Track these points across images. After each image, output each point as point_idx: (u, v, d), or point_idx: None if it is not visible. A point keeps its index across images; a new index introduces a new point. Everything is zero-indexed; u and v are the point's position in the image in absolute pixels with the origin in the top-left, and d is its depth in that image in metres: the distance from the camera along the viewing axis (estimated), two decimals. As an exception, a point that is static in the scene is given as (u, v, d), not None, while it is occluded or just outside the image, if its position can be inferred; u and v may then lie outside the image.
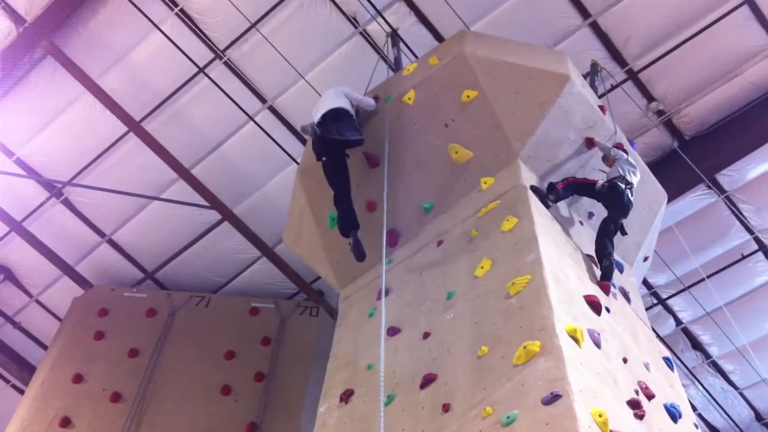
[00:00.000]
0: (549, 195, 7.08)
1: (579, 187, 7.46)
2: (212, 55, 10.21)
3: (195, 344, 11.02)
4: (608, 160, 7.56)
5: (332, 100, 7.54)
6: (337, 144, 7.30)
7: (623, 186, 7.24)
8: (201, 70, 10.20)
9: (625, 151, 7.69)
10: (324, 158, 7.36)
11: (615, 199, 7.24)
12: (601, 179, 7.45)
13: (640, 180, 7.72)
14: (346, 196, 7.36)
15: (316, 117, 7.45)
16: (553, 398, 4.38)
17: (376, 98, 8.03)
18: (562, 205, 7.58)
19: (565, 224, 7.22)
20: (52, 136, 10.77)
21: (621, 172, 7.29)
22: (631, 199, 7.29)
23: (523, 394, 4.58)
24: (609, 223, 7.24)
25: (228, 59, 10.24)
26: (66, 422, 9.85)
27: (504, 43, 8.05)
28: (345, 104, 7.48)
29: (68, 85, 10.24)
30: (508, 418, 4.47)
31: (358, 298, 7.39)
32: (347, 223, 7.30)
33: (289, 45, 9.92)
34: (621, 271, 7.98)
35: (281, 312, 11.69)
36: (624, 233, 7.45)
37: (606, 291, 6.51)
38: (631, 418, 4.99)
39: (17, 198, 11.11)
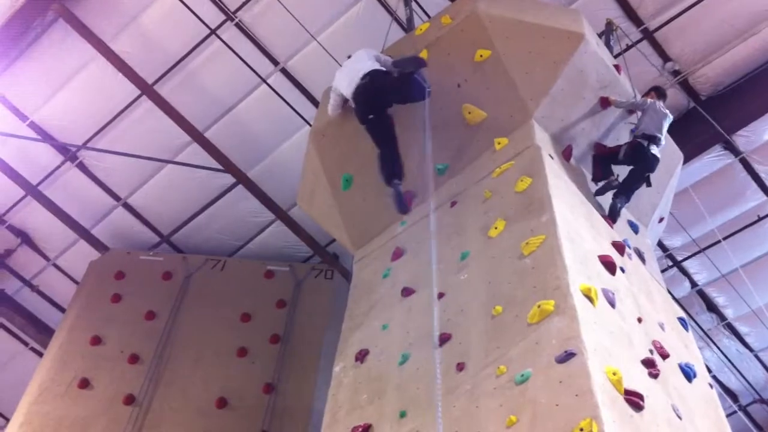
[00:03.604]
0: (605, 186, 7.45)
1: (607, 160, 7.59)
2: (223, 17, 10.14)
3: (211, 307, 11.08)
4: (633, 111, 7.74)
5: (364, 61, 7.42)
6: (386, 97, 7.24)
7: (646, 143, 7.36)
8: (213, 32, 10.15)
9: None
10: (371, 116, 7.24)
11: (640, 158, 7.44)
12: (624, 140, 7.64)
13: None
14: (394, 152, 7.27)
15: (353, 78, 7.30)
16: (567, 357, 4.39)
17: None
18: (577, 165, 7.56)
19: (580, 185, 7.19)
20: (65, 100, 10.75)
21: (644, 129, 7.46)
22: (656, 154, 7.43)
23: (537, 353, 4.59)
24: (632, 175, 7.52)
25: (239, 21, 10.17)
26: (85, 384, 9.97)
27: (518, 1, 7.94)
28: (378, 65, 7.37)
29: (80, 49, 10.20)
30: (522, 376, 4.49)
31: (373, 260, 7.41)
32: (391, 169, 7.22)
33: (300, 6, 9.83)
34: (636, 232, 7.96)
35: (296, 275, 11.73)
36: (649, 184, 7.62)
37: (620, 251, 6.49)
38: (645, 376, 5.00)
39: (32, 162, 11.14)
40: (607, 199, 7.47)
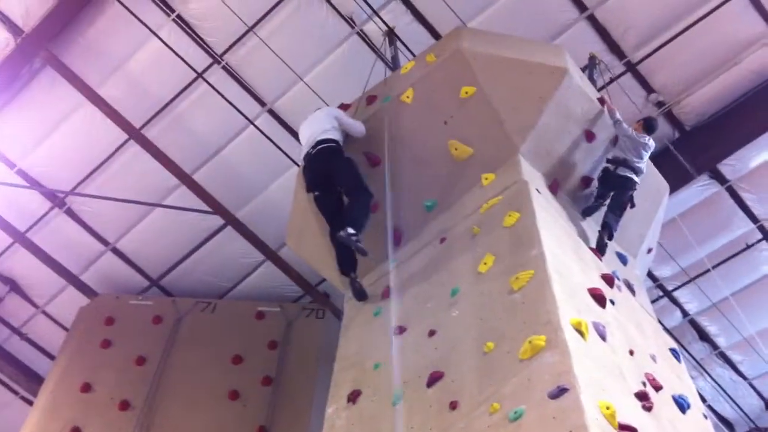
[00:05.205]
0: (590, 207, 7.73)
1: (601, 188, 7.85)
2: (210, 60, 10.21)
3: (202, 350, 11.00)
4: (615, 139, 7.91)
5: (322, 123, 7.37)
6: (331, 177, 7.16)
7: (612, 167, 7.64)
8: (199, 75, 10.21)
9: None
10: (317, 193, 7.22)
11: (611, 181, 7.67)
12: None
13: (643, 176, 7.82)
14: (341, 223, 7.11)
15: (307, 141, 7.29)
16: (560, 392, 4.36)
17: (373, 98, 8.02)
18: (564, 200, 7.59)
19: (568, 218, 7.21)
20: (53, 146, 10.77)
21: (615, 154, 7.72)
22: (627, 174, 7.61)
23: (530, 389, 4.56)
24: (613, 198, 7.69)
25: (226, 64, 10.24)
26: (75, 432, 9.87)
27: (501, 38, 8.05)
28: (336, 133, 7.33)
29: (68, 95, 10.26)
30: (515, 413, 4.45)
31: (363, 298, 7.37)
32: (347, 261, 7.12)
33: (286, 48, 9.91)
34: (625, 263, 7.98)
35: (287, 315, 11.67)
36: (632, 205, 7.81)
37: (610, 283, 6.49)
38: (638, 410, 4.97)
39: (20, 209, 11.13)
40: (595, 232, 7.50)
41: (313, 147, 7.21)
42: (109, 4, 9.82)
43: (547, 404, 4.36)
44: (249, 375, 10.72)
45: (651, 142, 7.88)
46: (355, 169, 7.22)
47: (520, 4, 9.91)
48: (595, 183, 7.90)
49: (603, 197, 7.70)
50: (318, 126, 7.38)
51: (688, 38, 10.23)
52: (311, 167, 7.24)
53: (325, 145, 7.18)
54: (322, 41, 10.13)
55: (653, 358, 6.09)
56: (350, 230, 6.66)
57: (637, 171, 7.65)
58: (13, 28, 9.74)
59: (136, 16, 9.66)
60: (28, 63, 9.99)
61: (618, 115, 7.89)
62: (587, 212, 7.67)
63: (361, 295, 7.15)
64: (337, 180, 7.17)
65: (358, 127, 7.63)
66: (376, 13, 9.76)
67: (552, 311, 5.00)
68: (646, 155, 7.82)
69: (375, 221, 7.34)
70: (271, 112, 10.60)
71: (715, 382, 13.10)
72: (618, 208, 7.64)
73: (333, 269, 7.94)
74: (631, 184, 7.65)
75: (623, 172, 7.61)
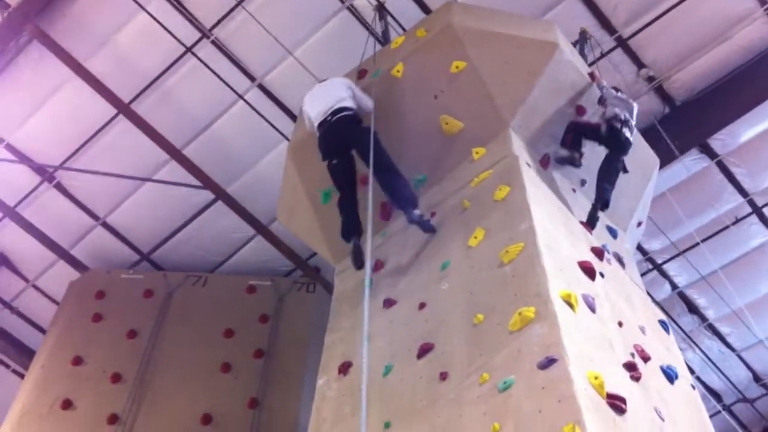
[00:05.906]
0: (567, 158, 7.58)
1: (583, 132, 7.71)
2: (199, 35, 10.13)
3: (193, 323, 11.06)
4: (603, 101, 7.81)
5: (338, 92, 7.24)
6: (350, 145, 7.05)
7: (619, 125, 7.48)
8: (188, 50, 10.14)
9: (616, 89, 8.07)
10: (334, 161, 7.07)
11: (614, 139, 7.50)
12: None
13: (633, 146, 7.79)
14: (353, 198, 7.09)
15: (322, 109, 7.12)
16: (549, 363, 4.41)
17: (364, 72, 7.99)
18: (555, 173, 7.61)
19: (558, 192, 7.24)
20: (41, 121, 10.70)
21: (615, 112, 7.54)
22: (629, 137, 7.52)
23: (519, 360, 4.61)
24: (608, 162, 7.57)
25: (215, 38, 10.17)
26: (67, 404, 9.90)
27: (492, 13, 8.05)
28: (352, 101, 7.19)
29: (55, 69, 10.17)
30: (504, 383, 4.51)
31: (354, 272, 7.37)
32: (351, 227, 7.05)
33: (276, 22, 9.84)
34: (615, 237, 8.02)
35: (278, 289, 11.72)
36: (625, 171, 7.71)
37: (600, 256, 6.54)
38: (627, 380, 5.03)
39: (9, 184, 11.10)
40: (586, 206, 7.52)
41: (332, 115, 7.04)
42: (96, -22, 9.76)
43: (537, 375, 4.41)
44: (240, 348, 10.79)
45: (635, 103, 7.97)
46: (378, 143, 6.93)
47: (512, -22, 9.87)
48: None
49: (579, 148, 7.62)
50: (334, 94, 7.23)
51: (678, 13, 10.21)
52: (329, 135, 7.08)
53: (344, 113, 7.05)
54: (312, 15, 10.07)
55: (642, 329, 6.15)
56: (417, 212, 6.64)
57: (632, 132, 7.67)
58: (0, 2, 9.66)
59: (124, -10, 9.60)
60: (14, 37, 9.88)
61: (604, 82, 7.91)
62: (562, 161, 7.65)
63: (359, 261, 7.02)
64: (358, 149, 6.99)
65: (367, 102, 7.46)
66: (366, -14, 9.71)
67: (541, 284, 5.04)
68: (635, 115, 7.86)
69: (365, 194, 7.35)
70: (261, 87, 10.55)
71: (704, 353, 13.24)
72: (613, 174, 7.54)
73: (324, 243, 8.00)
74: (628, 146, 7.59)
75: (627, 134, 7.53)
